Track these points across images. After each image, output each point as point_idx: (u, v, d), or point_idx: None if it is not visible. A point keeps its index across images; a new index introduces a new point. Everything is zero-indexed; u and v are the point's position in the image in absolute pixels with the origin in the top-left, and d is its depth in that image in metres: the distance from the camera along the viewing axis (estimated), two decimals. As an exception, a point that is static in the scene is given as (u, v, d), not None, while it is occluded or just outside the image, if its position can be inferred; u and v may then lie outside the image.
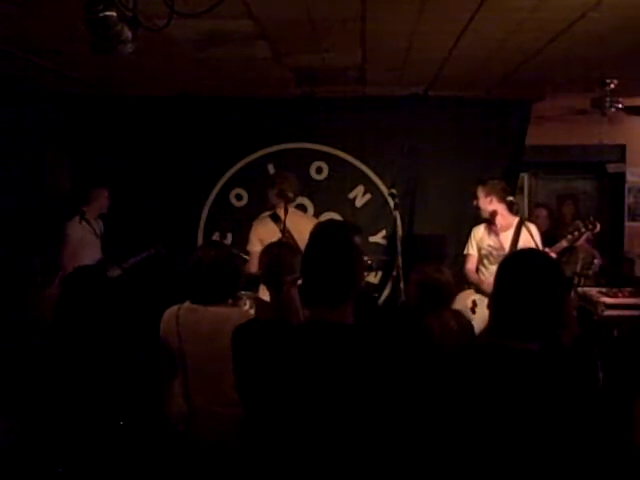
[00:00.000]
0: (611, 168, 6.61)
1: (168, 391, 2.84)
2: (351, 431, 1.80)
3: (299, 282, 2.59)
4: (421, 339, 2.84)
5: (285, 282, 2.67)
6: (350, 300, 1.96)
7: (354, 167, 6.09)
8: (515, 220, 4.55)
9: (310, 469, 1.84)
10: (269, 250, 2.84)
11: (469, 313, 4.36)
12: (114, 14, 2.61)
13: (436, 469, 1.89)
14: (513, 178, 5.96)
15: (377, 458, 1.81)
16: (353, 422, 1.80)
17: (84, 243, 5.19)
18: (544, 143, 6.35)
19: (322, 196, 6.06)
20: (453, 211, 5.93)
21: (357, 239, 3.33)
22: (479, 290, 4.58)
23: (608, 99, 5.12)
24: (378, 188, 6.08)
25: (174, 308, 2.85)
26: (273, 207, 4.53)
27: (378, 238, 6.07)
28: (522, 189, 6.88)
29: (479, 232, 4.76)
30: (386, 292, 5.98)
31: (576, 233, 4.45)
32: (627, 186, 6.66)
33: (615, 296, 4.65)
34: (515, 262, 2.07)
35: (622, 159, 6.57)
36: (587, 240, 4.81)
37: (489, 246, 4.65)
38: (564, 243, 4.48)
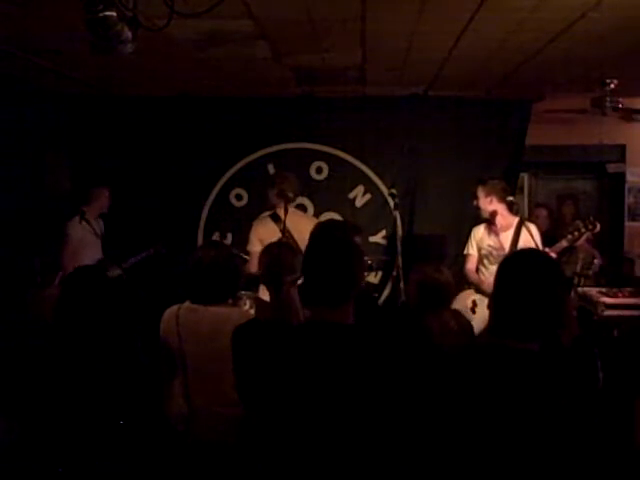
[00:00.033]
0: (611, 168, 6.60)
1: (168, 391, 2.84)
2: (351, 431, 1.80)
3: (299, 282, 2.60)
4: (421, 339, 2.84)
5: (285, 282, 2.67)
6: (350, 300, 1.96)
7: (354, 167, 6.08)
8: (515, 220, 4.55)
9: (310, 469, 1.84)
10: (269, 250, 2.84)
11: (469, 313, 4.36)
12: (114, 14, 2.61)
13: (436, 469, 1.89)
14: (513, 178, 5.95)
15: (377, 458, 1.81)
16: (353, 422, 1.80)
17: (84, 243, 5.20)
18: (544, 143, 6.34)
19: (322, 196, 6.05)
20: (453, 211, 5.93)
21: (357, 239, 3.37)
22: (479, 290, 4.58)
23: (608, 99, 5.13)
24: (378, 188, 6.08)
25: (174, 308, 2.85)
26: (273, 207, 4.53)
27: (378, 238, 6.07)
28: (522, 189, 6.87)
29: (479, 232, 4.77)
30: (386, 292, 5.97)
31: (576, 233, 4.45)
32: (627, 186, 6.64)
33: (615, 296, 4.64)
34: (515, 262, 2.07)
35: (622, 159, 6.56)
36: (587, 240, 4.80)
37: (489, 246, 4.65)
38: (564, 243, 4.48)
